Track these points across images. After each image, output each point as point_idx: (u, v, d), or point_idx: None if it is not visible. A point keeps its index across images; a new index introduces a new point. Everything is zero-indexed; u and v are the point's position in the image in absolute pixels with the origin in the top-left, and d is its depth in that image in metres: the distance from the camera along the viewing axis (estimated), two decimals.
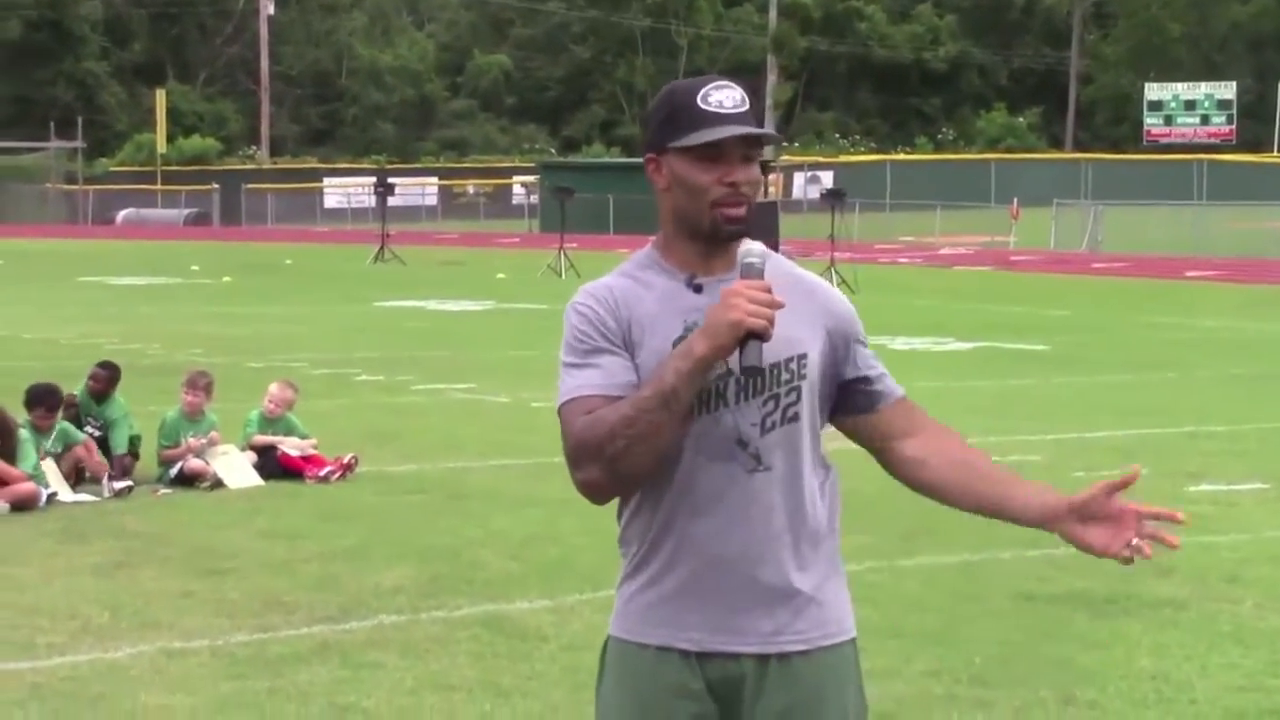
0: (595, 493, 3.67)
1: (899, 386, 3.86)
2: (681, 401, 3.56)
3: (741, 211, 3.69)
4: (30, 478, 12.16)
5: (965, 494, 3.81)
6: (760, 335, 3.54)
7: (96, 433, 13.54)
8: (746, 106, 3.71)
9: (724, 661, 3.71)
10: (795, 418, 3.72)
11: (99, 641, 8.53)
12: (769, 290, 3.56)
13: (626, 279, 3.78)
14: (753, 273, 3.61)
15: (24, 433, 12.46)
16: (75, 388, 13.82)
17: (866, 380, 3.82)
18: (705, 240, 3.71)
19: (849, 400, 3.83)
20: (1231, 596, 9.52)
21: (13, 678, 7.91)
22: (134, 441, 13.66)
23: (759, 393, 3.69)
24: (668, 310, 3.70)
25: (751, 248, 3.64)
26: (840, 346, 3.79)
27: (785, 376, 3.70)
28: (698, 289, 3.72)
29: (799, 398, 3.72)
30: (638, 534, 3.77)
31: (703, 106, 3.68)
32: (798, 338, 3.72)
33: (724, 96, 3.69)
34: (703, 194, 3.68)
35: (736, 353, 3.57)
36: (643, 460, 3.60)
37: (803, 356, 3.72)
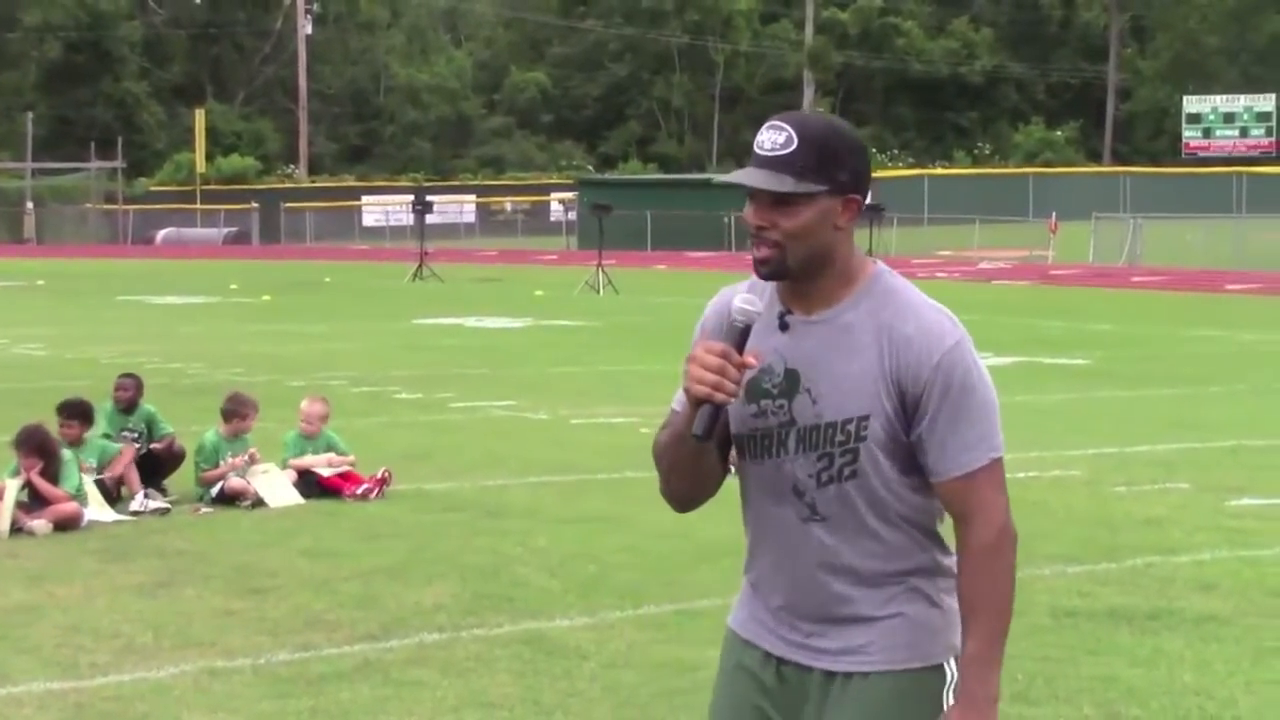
0: (667, 500, 3.83)
1: (963, 463, 3.64)
2: (688, 443, 3.61)
3: (763, 253, 3.61)
4: (73, 498, 12.21)
5: None
6: (708, 402, 3.51)
7: (135, 443, 13.56)
8: (790, 148, 3.56)
9: (797, 670, 3.78)
10: (853, 475, 3.66)
11: (142, 661, 8.55)
12: (722, 354, 3.51)
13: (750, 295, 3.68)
14: (733, 334, 3.56)
15: (67, 453, 12.50)
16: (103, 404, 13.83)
17: (920, 449, 3.66)
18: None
19: (919, 458, 3.68)
20: (1275, 611, 9.44)
21: (56, 698, 7.94)
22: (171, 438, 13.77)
23: (814, 447, 3.67)
24: (754, 344, 3.62)
25: (740, 298, 3.58)
26: (911, 405, 3.63)
27: (840, 438, 3.65)
28: (784, 327, 3.69)
29: (856, 459, 3.65)
30: (746, 544, 3.90)
31: (754, 144, 3.63)
32: (863, 396, 3.63)
33: (766, 137, 3.61)
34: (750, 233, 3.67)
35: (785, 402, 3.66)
36: (677, 483, 3.76)
37: (864, 419, 3.63)
